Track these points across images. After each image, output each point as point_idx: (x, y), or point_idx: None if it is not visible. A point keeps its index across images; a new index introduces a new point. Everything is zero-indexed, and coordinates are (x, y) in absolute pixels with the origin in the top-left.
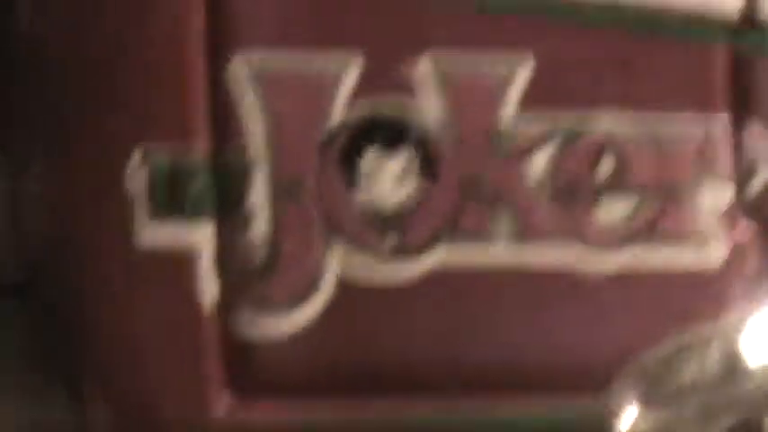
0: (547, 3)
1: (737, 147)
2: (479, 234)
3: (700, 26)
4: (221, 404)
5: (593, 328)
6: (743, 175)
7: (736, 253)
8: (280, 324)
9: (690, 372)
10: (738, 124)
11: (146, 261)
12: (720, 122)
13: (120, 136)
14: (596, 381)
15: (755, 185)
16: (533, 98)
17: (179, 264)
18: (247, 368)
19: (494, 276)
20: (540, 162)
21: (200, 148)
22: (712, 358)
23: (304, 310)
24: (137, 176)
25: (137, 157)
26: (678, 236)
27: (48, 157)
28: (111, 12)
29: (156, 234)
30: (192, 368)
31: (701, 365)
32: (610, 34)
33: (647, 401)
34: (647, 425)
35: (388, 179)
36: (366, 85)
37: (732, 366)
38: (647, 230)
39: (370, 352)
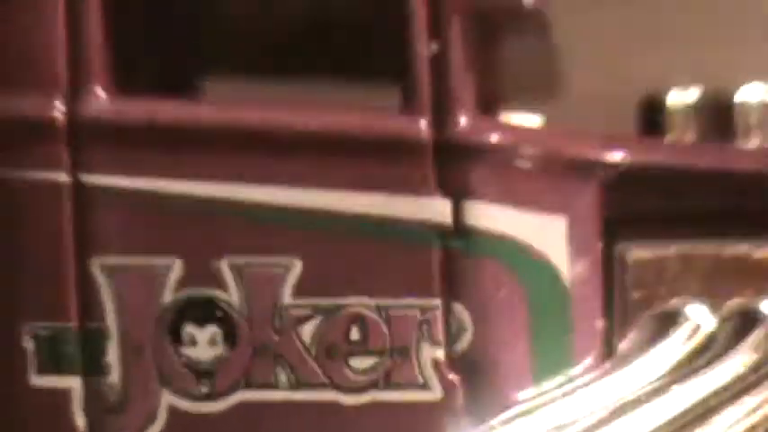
0: (311, 216)
1: (447, 320)
2: (266, 383)
3: (419, 233)
4: None
5: None
6: (451, 340)
7: (448, 393)
8: None
9: None
10: (448, 305)
11: (36, 395)
12: (435, 303)
13: (15, 316)
14: None
15: (460, 347)
16: (302, 288)
17: (60, 398)
18: None
19: (279, 409)
20: (307, 333)
21: (70, 324)
22: None
23: None
24: (27, 344)
25: (27, 330)
26: (406, 382)
27: None
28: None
29: (43, 380)
30: None
31: None
32: (358, 242)
33: None
34: None
35: (202, 344)
36: (186, 279)
37: None
38: (384, 379)
39: None
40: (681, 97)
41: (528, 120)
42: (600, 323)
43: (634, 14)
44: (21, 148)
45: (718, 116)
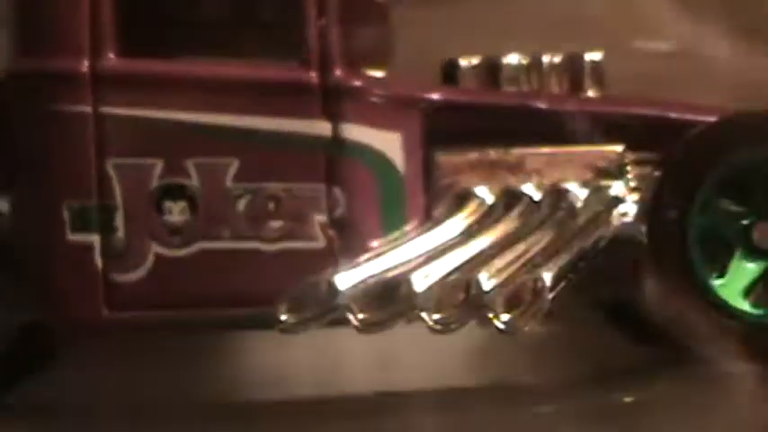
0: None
1: (329, 198)
2: (216, 237)
3: (312, 143)
4: (102, 313)
5: (269, 275)
6: (331, 209)
7: (329, 243)
8: (131, 276)
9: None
10: (330, 189)
11: (72, 246)
12: (321, 187)
13: (58, 197)
14: (271, 300)
15: (337, 215)
16: (238, 177)
17: (86, 249)
18: (116, 295)
19: (224, 253)
20: (242, 205)
21: (93, 201)
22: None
23: (141, 270)
24: (65, 214)
25: (65, 205)
26: (303, 236)
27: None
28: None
29: (75, 236)
30: (92, 294)
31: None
32: (273, 149)
33: (296, 309)
34: (295, 320)
35: (176, 213)
36: (165, 172)
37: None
38: (289, 234)
39: (173, 288)
40: (468, 61)
41: (377, 73)
42: (422, 199)
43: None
44: (61, 90)
45: (491, 73)
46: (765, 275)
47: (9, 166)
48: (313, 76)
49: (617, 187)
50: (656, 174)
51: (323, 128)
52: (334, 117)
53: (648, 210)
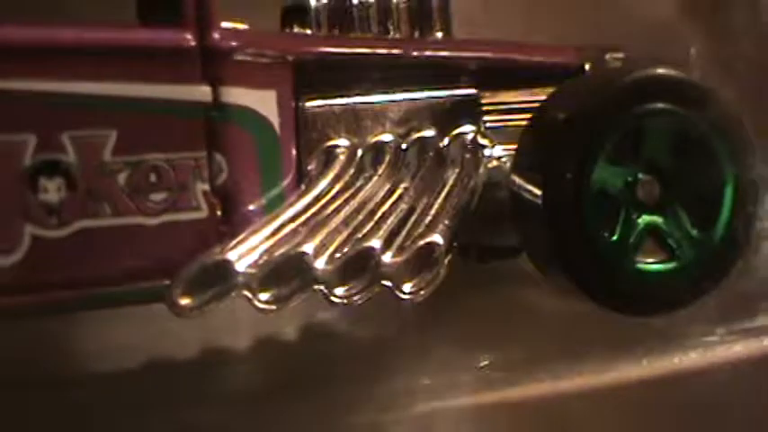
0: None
1: (210, 165)
2: (95, 214)
3: (191, 109)
4: None
5: (153, 250)
6: (213, 176)
7: (212, 211)
8: (6, 260)
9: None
10: (211, 155)
11: None
12: (203, 155)
13: None
14: (156, 274)
15: (219, 181)
16: (117, 150)
17: None
18: None
19: (104, 230)
20: (122, 180)
21: None
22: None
23: (17, 254)
24: None
25: None
26: (186, 206)
27: None
28: None
29: None
30: None
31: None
32: (152, 117)
33: (193, 291)
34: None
35: (52, 191)
36: (39, 148)
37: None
38: (172, 205)
39: (53, 270)
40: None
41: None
42: (294, 153)
43: None
44: None
45: (341, 13)
46: (651, 230)
47: None
48: (190, 38)
49: (472, 132)
50: (526, 122)
51: (202, 92)
52: (213, 80)
53: (543, 167)
